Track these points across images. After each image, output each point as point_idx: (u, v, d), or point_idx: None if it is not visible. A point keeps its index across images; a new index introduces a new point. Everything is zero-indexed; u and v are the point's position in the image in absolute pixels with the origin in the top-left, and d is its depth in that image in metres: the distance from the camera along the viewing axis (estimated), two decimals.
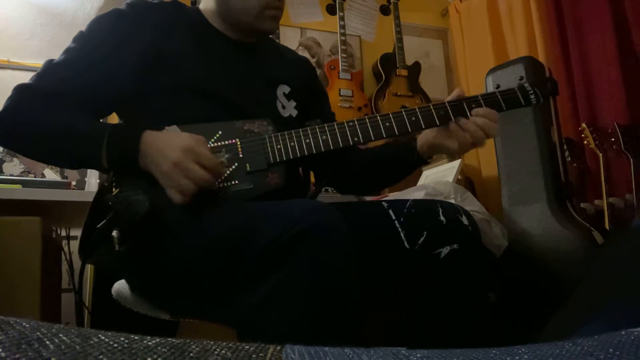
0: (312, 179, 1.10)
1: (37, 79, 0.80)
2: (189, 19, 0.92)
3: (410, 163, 0.98)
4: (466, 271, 0.81)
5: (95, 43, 0.84)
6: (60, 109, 0.78)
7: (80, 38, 0.84)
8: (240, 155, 0.81)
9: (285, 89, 0.99)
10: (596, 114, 1.94)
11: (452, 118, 0.86)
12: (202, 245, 0.71)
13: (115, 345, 0.25)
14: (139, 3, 0.88)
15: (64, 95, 0.79)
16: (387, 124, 0.84)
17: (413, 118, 0.85)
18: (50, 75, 0.81)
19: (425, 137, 0.93)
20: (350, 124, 0.84)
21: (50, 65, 0.82)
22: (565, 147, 1.77)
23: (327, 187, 1.74)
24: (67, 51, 0.83)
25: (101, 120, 0.88)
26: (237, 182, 0.79)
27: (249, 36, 0.96)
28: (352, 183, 1.10)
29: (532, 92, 0.91)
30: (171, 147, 0.72)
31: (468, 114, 0.86)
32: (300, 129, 0.83)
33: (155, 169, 0.73)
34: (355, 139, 0.84)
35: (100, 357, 0.23)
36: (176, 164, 0.71)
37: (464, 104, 0.87)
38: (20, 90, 0.79)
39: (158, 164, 0.73)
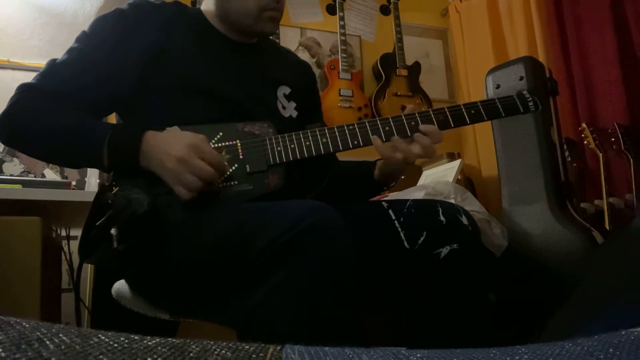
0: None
1: (40, 79, 0.81)
2: (191, 20, 0.92)
3: (368, 178, 0.97)
4: (466, 271, 0.81)
5: (96, 43, 0.84)
6: (63, 108, 0.79)
7: (83, 38, 0.85)
8: (241, 157, 0.81)
9: (286, 90, 0.99)
10: (596, 114, 1.94)
11: (452, 123, 0.86)
12: (202, 245, 0.71)
13: (115, 345, 0.25)
14: (141, 3, 0.88)
15: (67, 95, 0.80)
16: (387, 128, 0.84)
17: (412, 122, 0.85)
18: (53, 75, 0.82)
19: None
20: (351, 127, 0.84)
21: (53, 64, 0.83)
22: (565, 147, 1.77)
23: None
24: (70, 51, 0.84)
25: (102, 119, 0.88)
26: (236, 182, 0.80)
27: (249, 37, 0.96)
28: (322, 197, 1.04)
29: (530, 100, 0.91)
30: (175, 144, 0.73)
31: (467, 119, 0.86)
32: (300, 132, 0.83)
33: (159, 167, 0.74)
34: (355, 142, 0.83)
35: (100, 357, 0.23)
36: (180, 159, 0.72)
37: (463, 109, 0.87)
38: (24, 90, 0.80)
39: (162, 162, 0.73)
